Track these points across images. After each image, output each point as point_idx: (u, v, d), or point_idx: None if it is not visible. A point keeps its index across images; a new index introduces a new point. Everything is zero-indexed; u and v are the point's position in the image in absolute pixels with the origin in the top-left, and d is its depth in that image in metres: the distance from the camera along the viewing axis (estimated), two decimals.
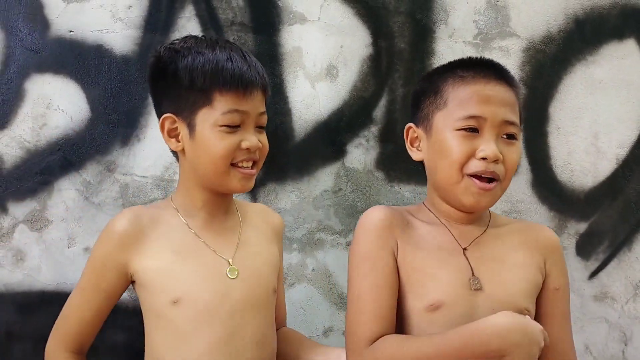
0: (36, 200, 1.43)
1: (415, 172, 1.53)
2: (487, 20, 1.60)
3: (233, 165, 1.08)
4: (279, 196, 1.51)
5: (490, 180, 1.05)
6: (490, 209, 1.16)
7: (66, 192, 1.44)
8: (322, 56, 1.53)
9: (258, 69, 1.11)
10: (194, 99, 1.07)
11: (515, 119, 1.08)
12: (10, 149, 1.42)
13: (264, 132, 1.14)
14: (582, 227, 1.62)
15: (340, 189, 1.53)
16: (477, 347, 0.93)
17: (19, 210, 1.42)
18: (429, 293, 1.04)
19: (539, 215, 1.60)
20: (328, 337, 1.49)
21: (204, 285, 1.08)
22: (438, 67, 1.17)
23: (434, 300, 1.03)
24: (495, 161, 1.04)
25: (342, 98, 1.54)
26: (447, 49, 1.57)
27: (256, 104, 1.10)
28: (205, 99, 1.06)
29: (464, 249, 1.09)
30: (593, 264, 1.61)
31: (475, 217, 1.13)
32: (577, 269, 1.60)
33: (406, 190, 1.54)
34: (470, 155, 1.04)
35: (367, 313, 1.04)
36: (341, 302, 1.51)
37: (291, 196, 1.51)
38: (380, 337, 1.02)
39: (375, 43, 1.56)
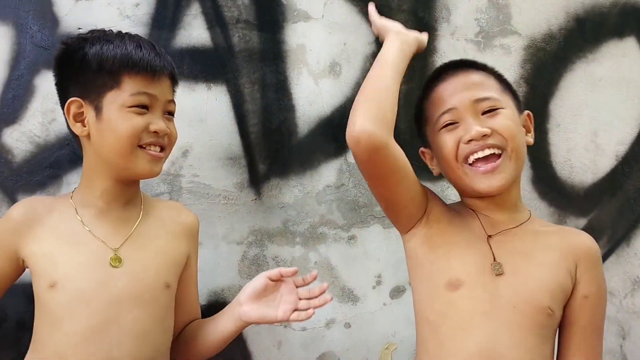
0: (45, 193, 1.46)
1: (416, 168, 1.55)
2: (489, 18, 1.62)
3: (140, 147, 1.11)
4: (282, 191, 1.54)
5: (491, 158, 1.09)
6: (532, 212, 1.21)
7: (75, 185, 1.46)
8: (326, 53, 1.56)
9: (167, 58, 1.16)
10: (102, 82, 1.10)
11: (487, 93, 1.12)
12: (21, 143, 1.46)
13: (173, 121, 1.18)
14: (582, 222, 1.64)
15: (342, 184, 1.55)
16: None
17: None
18: (452, 269, 1.08)
19: (539, 211, 1.62)
20: (330, 328, 1.52)
21: (82, 272, 1.09)
22: (418, 97, 1.27)
23: (454, 279, 1.06)
24: (485, 136, 1.07)
25: (345, 95, 1.56)
26: (449, 46, 1.60)
27: (164, 90, 1.14)
28: (113, 82, 1.10)
29: (489, 236, 1.12)
30: None
31: (506, 206, 1.15)
32: None
33: None
34: (458, 143, 1.10)
35: None
36: (343, 295, 1.53)
37: (294, 191, 1.54)
38: None
39: (378, 41, 1.58)
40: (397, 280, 1.55)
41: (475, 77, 1.13)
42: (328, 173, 1.55)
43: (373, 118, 1.02)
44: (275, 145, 1.53)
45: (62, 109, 1.16)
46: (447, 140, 1.11)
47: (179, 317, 1.22)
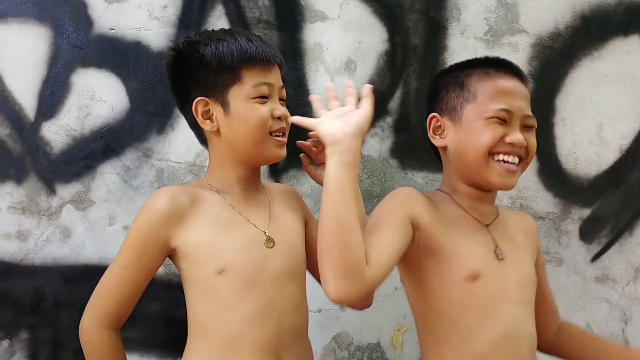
0: (81, 183, 1.57)
1: (427, 161, 1.64)
2: (497, 18, 1.70)
3: (269, 134, 1.16)
4: (300, 181, 1.63)
5: (515, 163, 1.17)
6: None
7: (108, 175, 1.58)
8: (342, 51, 1.65)
9: (273, 47, 1.21)
10: (224, 79, 1.14)
11: (531, 113, 1.19)
12: (58, 136, 1.57)
13: (285, 105, 1.22)
14: (586, 212, 1.71)
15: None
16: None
17: (65, 191, 1.57)
18: (465, 263, 1.13)
19: (544, 201, 1.69)
20: (344, 311, 1.61)
21: (246, 255, 1.12)
22: (457, 64, 1.26)
23: (472, 271, 1.13)
24: (521, 147, 1.16)
25: (360, 90, 1.65)
26: (459, 45, 1.68)
27: (277, 77, 1.19)
28: (235, 77, 1.14)
29: (487, 225, 1.20)
30: (595, 248, 1.71)
31: (491, 198, 1.24)
32: (580, 252, 1.70)
33: (418, 177, 1.66)
34: (500, 140, 1.15)
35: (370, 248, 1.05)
36: None
37: (311, 181, 1.62)
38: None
39: (391, 39, 1.67)
40: None
41: (527, 93, 1.21)
42: None
43: (342, 274, 0.95)
44: (293, 139, 1.61)
45: (182, 110, 1.21)
46: (493, 132, 1.15)
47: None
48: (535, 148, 1.20)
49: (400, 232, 1.09)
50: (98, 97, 1.58)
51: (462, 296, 1.13)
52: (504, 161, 1.16)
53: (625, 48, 1.73)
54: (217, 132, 1.16)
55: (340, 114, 1.08)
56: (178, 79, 1.20)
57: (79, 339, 1.14)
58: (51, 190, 1.56)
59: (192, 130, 1.22)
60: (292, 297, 1.16)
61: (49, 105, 1.57)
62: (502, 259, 1.16)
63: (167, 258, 1.15)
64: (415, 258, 1.16)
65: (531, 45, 1.70)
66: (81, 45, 1.58)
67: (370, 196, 1.64)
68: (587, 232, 1.71)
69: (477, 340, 1.11)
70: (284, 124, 1.19)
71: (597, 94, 1.72)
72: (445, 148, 1.23)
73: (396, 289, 1.63)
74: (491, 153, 1.16)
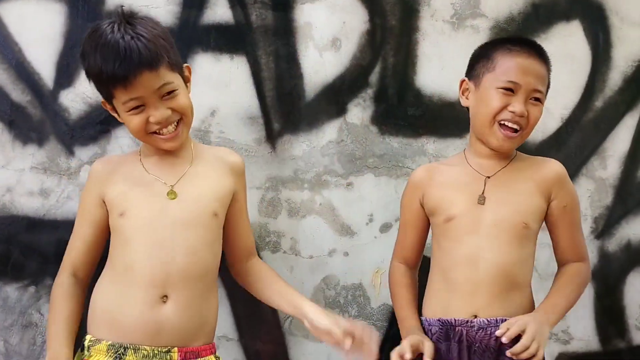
0: (97, 145, 1.73)
1: (402, 127, 1.88)
2: (462, 3, 1.93)
3: (153, 133, 1.34)
4: (293, 145, 1.85)
5: (515, 130, 1.44)
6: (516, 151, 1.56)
7: (121, 139, 1.75)
8: (328, 30, 1.85)
9: (138, 50, 1.26)
10: (105, 93, 1.35)
11: (542, 87, 1.46)
12: (76, 103, 1.72)
13: (177, 96, 1.35)
14: None
15: (342, 140, 1.87)
16: None
17: (83, 153, 1.73)
18: (446, 210, 1.47)
19: None
20: (332, 256, 1.85)
21: (144, 203, 1.35)
22: (493, 40, 1.58)
23: (448, 215, 1.46)
24: (521, 116, 1.42)
25: (344, 65, 1.87)
26: (429, 26, 1.91)
27: (147, 83, 1.28)
28: (109, 94, 1.33)
29: (488, 177, 1.49)
30: None
31: (503, 156, 1.52)
32: None
33: (395, 142, 1.89)
34: (504, 108, 1.42)
35: (397, 241, 1.62)
36: (342, 230, 1.86)
37: (302, 145, 1.86)
38: (401, 262, 1.58)
39: (372, 20, 1.89)
40: (385, 218, 1.88)
41: (542, 70, 1.45)
42: (330, 131, 1.86)
43: None
44: (287, 107, 1.83)
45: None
46: (498, 100, 1.42)
47: (235, 245, 1.50)
48: (537, 120, 1.46)
49: (418, 220, 1.55)
50: None
51: (441, 230, 1.48)
52: (505, 126, 1.42)
53: (568, 31, 2.00)
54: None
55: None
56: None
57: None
58: (70, 152, 1.72)
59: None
60: (186, 243, 1.33)
61: (66, 75, 1.71)
62: (482, 204, 1.44)
63: None
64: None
65: (490, 28, 1.95)
66: (95, 19, 1.70)
67: (354, 158, 1.86)
68: None
69: (446, 260, 1.47)
70: (165, 124, 1.34)
71: None
72: (468, 109, 1.52)
73: (375, 238, 1.88)
74: (496, 119, 1.43)
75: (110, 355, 1.28)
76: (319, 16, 1.85)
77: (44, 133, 1.71)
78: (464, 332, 1.41)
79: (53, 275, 1.68)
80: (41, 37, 1.70)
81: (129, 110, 1.31)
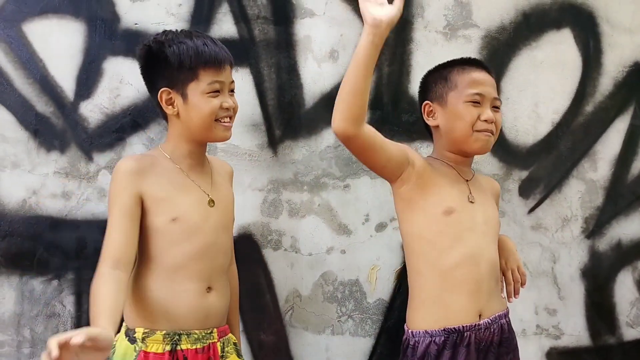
0: (114, 152, 1.88)
1: (396, 133, 1.99)
2: (454, 14, 2.04)
3: (216, 120, 1.44)
4: (293, 150, 1.97)
5: (490, 133, 1.58)
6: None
7: (135, 146, 1.89)
8: (327, 43, 1.97)
9: (225, 49, 1.48)
10: (184, 77, 1.42)
11: (498, 95, 1.60)
12: (94, 113, 1.88)
13: (234, 95, 1.50)
14: (524, 174, 2.09)
15: (339, 145, 1.97)
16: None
17: (101, 159, 1.87)
18: (444, 201, 1.54)
19: (491, 165, 2.06)
20: (330, 254, 1.97)
21: (194, 210, 1.46)
22: (441, 64, 1.66)
23: (448, 207, 1.53)
24: (491, 122, 1.56)
25: (342, 75, 1.90)
26: (422, 37, 2.02)
27: (228, 75, 1.47)
28: (192, 75, 1.41)
29: (467, 180, 1.62)
30: (531, 202, 2.10)
31: (469, 162, 1.66)
32: (519, 205, 2.09)
33: None
34: (477, 119, 1.55)
35: None
36: (340, 229, 1.98)
37: (302, 150, 1.98)
38: None
39: None
40: (380, 218, 1.99)
41: (493, 81, 1.61)
42: (328, 136, 1.97)
43: (345, 117, 1.37)
44: (287, 115, 1.96)
45: (150, 93, 1.51)
46: (471, 112, 1.55)
47: None
48: (501, 123, 1.61)
49: (396, 148, 1.51)
50: (126, 81, 1.87)
51: (439, 226, 1.53)
52: (484, 132, 1.55)
53: (558, 39, 2.10)
54: (177, 115, 1.46)
55: (380, 1, 1.35)
56: (147, 70, 1.49)
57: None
58: (89, 158, 1.87)
59: (157, 108, 1.50)
60: (224, 245, 1.52)
61: (85, 88, 1.86)
62: (472, 202, 1.56)
63: None
64: (408, 195, 1.54)
65: (481, 38, 2.05)
66: (111, 37, 1.87)
67: (351, 162, 1.98)
68: (525, 190, 2.10)
69: (447, 259, 1.51)
70: (230, 112, 1.47)
71: (534, 78, 2.09)
72: (437, 127, 1.63)
73: (371, 236, 2.00)
74: (474, 129, 1.55)
75: (167, 343, 1.41)
76: (317, 30, 1.97)
77: (66, 141, 1.86)
78: (472, 335, 1.49)
79: (74, 270, 1.86)
80: (63, 54, 1.85)
81: (210, 92, 1.43)
